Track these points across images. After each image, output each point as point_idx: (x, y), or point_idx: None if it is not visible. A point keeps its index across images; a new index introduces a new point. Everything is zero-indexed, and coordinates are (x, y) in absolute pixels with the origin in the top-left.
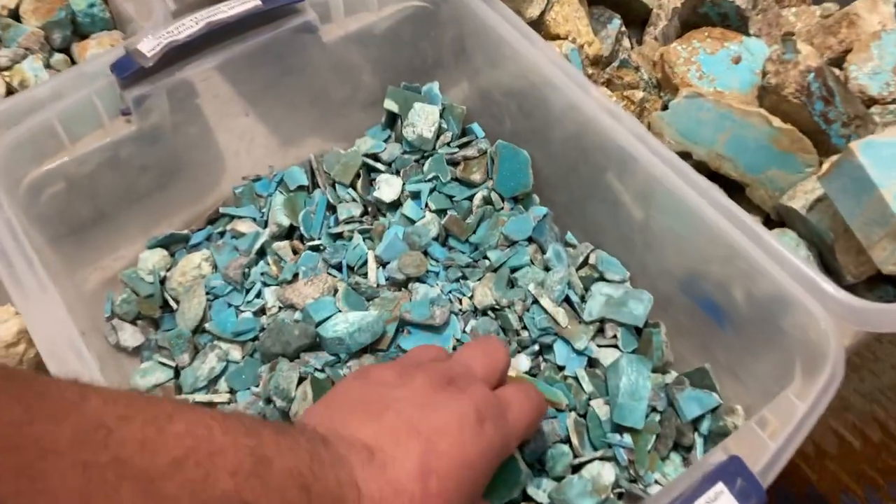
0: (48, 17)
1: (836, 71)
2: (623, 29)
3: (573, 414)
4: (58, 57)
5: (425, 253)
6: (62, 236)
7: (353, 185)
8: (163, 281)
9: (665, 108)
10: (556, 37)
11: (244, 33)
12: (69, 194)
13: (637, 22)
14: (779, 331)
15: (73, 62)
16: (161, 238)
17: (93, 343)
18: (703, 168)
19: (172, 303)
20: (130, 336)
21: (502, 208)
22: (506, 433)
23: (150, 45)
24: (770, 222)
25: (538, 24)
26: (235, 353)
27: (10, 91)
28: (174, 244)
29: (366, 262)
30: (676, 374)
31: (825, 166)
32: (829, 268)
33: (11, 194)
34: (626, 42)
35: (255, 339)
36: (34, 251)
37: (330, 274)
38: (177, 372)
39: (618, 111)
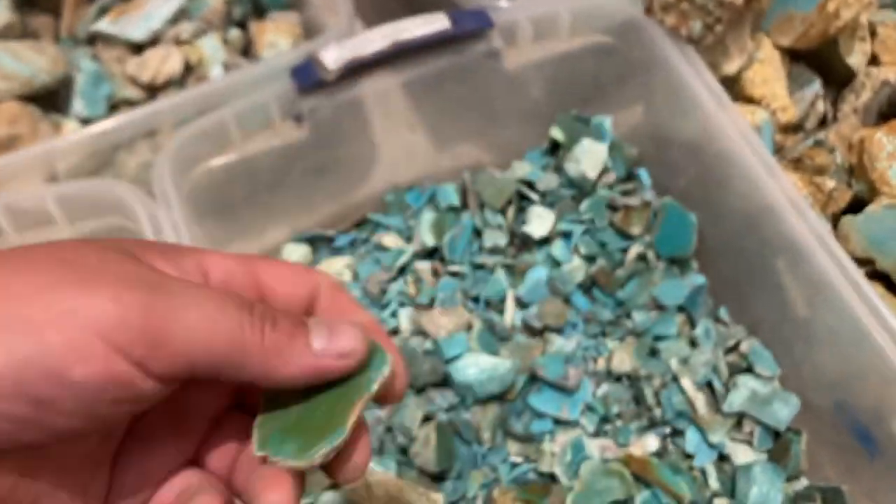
0: None
1: None
2: (821, 92)
3: None
4: (234, 33)
5: (567, 300)
6: (210, 215)
7: (503, 211)
8: None
9: (855, 209)
10: (750, 99)
11: (427, 53)
12: (229, 186)
13: (835, 84)
14: None
15: (250, 41)
16: (307, 235)
17: None
18: (883, 279)
19: None
20: None
21: (656, 268)
22: None
23: (333, 57)
24: None
25: (733, 81)
26: None
27: (188, 67)
28: (318, 241)
29: (504, 300)
30: (808, 484)
31: None
32: None
33: (179, 187)
34: (820, 106)
35: None
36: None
37: (466, 307)
38: None
39: (802, 204)
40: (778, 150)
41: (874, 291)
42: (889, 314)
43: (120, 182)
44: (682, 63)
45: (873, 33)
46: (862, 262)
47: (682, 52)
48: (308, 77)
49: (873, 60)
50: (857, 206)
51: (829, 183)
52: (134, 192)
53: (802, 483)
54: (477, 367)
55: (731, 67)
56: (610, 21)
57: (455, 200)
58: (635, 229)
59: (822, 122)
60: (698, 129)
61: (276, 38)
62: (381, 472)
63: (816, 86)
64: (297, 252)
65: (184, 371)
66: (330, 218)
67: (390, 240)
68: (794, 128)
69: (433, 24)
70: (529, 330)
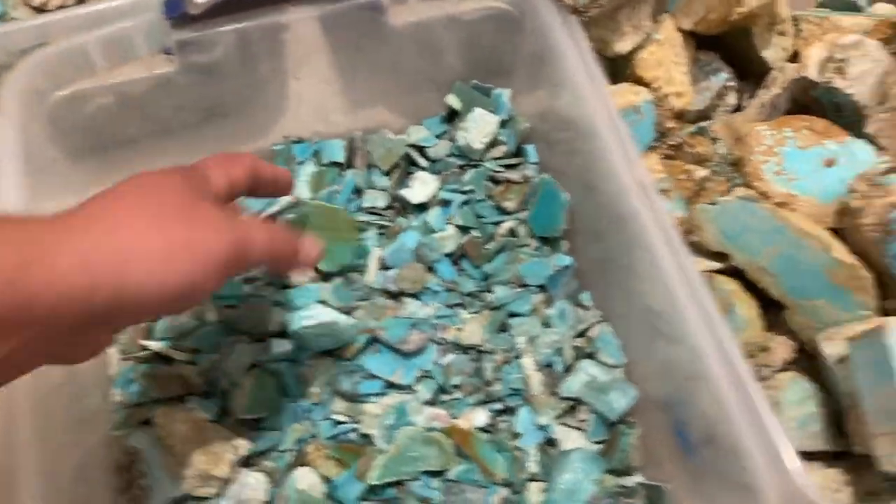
0: None
1: None
2: (731, 84)
3: (504, 491)
4: None
5: (432, 269)
6: (86, 153)
7: (389, 173)
8: None
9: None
10: (640, 80)
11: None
12: (105, 122)
13: (754, 79)
14: (736, 486)
15: None
16: None
17: None
18: (739, 275)
19: None
20: None
21: (527, 245)
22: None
23: None
24: (803, 352)
25: (626, 61)
26: (211, 315)
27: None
28: None
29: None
30: (637, 482)
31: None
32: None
33: (31, 109)
34: (732, 99)
35: (235, 307)
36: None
37: None
38: None
39: (651, 193)
40: (662, 135)
41: (708, 293)
42: (716, 317)
43: None
44: (563, 34)
45: (801, 30)
46: (717, 256)
47: (565, 22)
48: (176, 8)
49: (796, 57)
50: None
51: (701, 172)
52: None
53: (636, 478)
54: (315, 319)
55: (623, 45)
56: None
57: (339, 157)
58: (510, 204)
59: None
60: (570, 107)
61: None
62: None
63: (723, 77)
64: None
65: None
66: None
67: None
68: (696, 118)
69: None
70: (387, 292)
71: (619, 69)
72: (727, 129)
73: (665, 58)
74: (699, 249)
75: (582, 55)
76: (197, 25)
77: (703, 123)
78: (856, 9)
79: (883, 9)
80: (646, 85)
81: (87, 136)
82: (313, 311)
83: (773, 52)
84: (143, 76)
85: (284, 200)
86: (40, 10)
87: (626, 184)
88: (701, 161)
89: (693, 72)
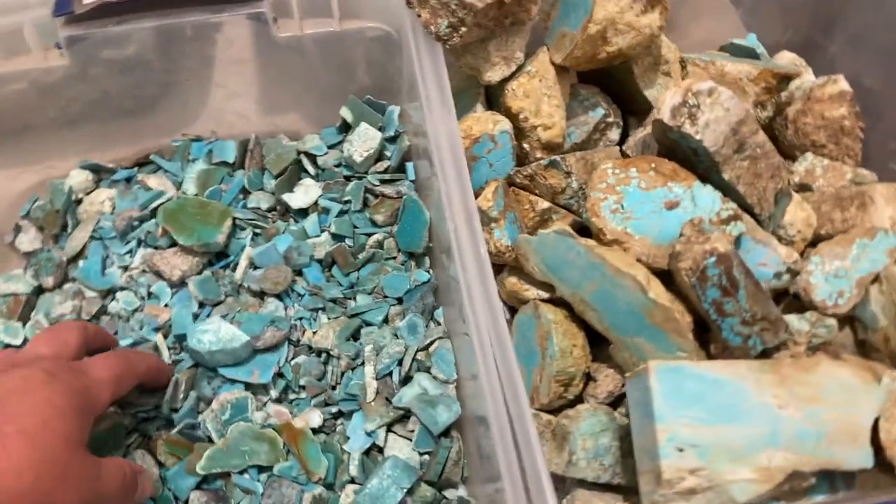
0: None
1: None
2: (610, 120)
3: (319, 490)
4: None
5: (300, 273)
6: None
7: (278, 177)
8: (79, 202)
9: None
10: (508, 109)
11: (191, 7)
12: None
13: (640, 116)
14: None
15: None
16: (90, 163)
17: None
18: (567, 305)
19: (70, 227)
20: (28, 241)
21: (394, 258)
22: (86, 381)
23: None
24: None
25: (498, 91)
26: (93, 307)
27: None
28: (103, 172)
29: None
30: (457, 496)
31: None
32: None
33: None
34: (613, 134)
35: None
36: None
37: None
38: (40, 290)
39: (473, 219)
40: (519, 165)
41: (502, 322)
42: (506, 344)
43: None
44: (426, 59)
45: (688, 72)
46: (547, 285)
47: (431, 48)
48: (64, 8)
49: None
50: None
51: (543, 204)
52: None
53: (457, 492)
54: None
55: (493, 75)
56: (384, 10)
57: (230, 157)
58: (380, 217)
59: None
60: (424, 128)
61: None
62: None
63: (601, 112)
64: (79, 177)
65: None
66: (131, 158)
67: (155, 181)
68: (573, 149)
69: None
70: (251, 291)
71: (494, 97)
72: (583, 163)
73: (534, 90)
74: (531, 278)
75: (438, 80)
76: (84, 24)
77: (556, 157)
78: (755, 56)
79: (785, 58)
80: (514, 115)
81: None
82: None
83: (655, 91)
84: (36, 67)
85: (167, 194)
86: None
87: (451, 208)
88: (555, 193)
89: (572, 105)
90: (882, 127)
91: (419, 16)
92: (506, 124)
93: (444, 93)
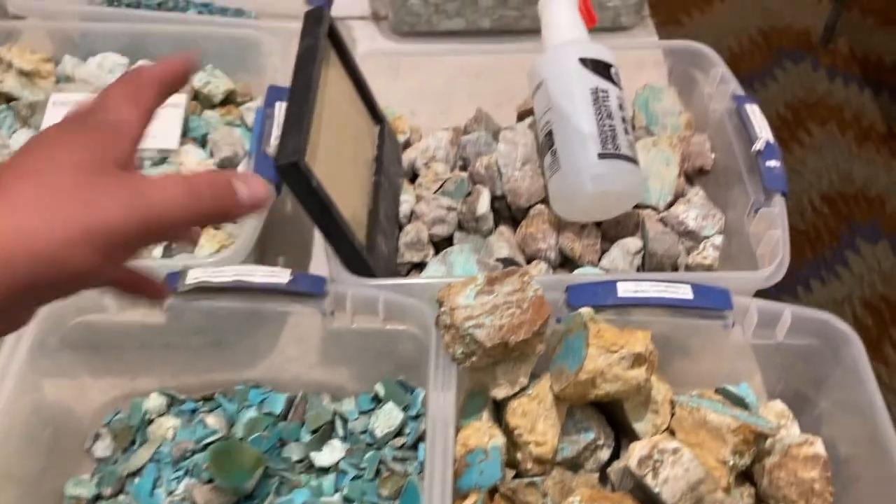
0: None
1: None
2: (600, 443)
3: None
4: None
5: None
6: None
7: (315, 432)
8: (151, 422)
9: None
10: (507, 424)
11: (266, 298)
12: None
13: (631, 440)
14: None
15: None
16: (167, 390)
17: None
18: None
19: (138, 444)
20: (102, 449)
21: None
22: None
23: (191, 276)
24: None
25: (503, 405)
26: None
27: None
28: (175, 400)
29: None
30: None
31: None
32: None
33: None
34: (603, 455)
35: None
36: None
37: None
38: (98, 497)
39: None
40: (512, 467)
41: None
42: None
43: None
44: (441, 372)
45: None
46: None
47: (446, 365)
48: (172, 283)
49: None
50: None
51: None
52: None
53: None
54: None
55: (498, 393)
56: (420, 318)
57: (278, 409)
58: (384, 491)
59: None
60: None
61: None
62: None
63: (591, 436)
64: (156, 401)
65: None
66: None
67: (213, 419)
68: (566, 465)
69: (274, 277)
70: None
71: (501, 407)
72: (560, 486)
73: (532, 410)
74: None
75: (444, 374)
76: (183, 297)
77: (536, 478)
78: (743, 404)
79: (775, 408)
80: (511, 430)
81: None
82: None
83: (643, 425)
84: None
85: (218, 433)
86: None
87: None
88: None
89: (567, 424)
90: (853, 492)
91: (443, 337)
92: (499, 440)
93: (448, 408)
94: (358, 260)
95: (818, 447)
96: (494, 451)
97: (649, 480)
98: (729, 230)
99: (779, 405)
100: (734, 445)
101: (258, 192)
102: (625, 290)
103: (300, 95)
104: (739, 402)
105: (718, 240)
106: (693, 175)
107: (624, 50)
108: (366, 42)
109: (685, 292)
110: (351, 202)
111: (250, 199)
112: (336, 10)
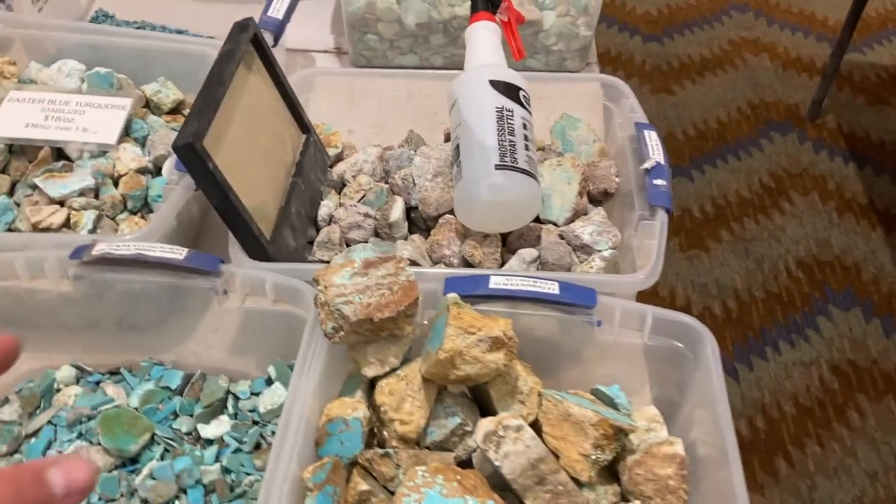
0: None
1: None
2: (469, 429)
3: None
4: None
5: (185, 491)
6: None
7: (206, 408)
8: (58, 390)
9: None
10: (374, 402)
11: (161, 271)
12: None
13: None
14: None
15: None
16: (77, 363)
17: None
18: None
19: (41, 410)
20: (8, 413)
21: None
22: None
23: (98, 248)
24: None
25: (374, 384)
26: None
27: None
28: (84, 373)
29: None
30: None
31: None
32: None
33: None
34: (471, 443)
35: None
36: None
37: None
38: None
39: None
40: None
41: None
42: None
43: None
44: (317, 347)
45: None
46: None
47: (321, 341)
48: (77, 254)
49: (536, 424)
50: None
51: (362, 486)
52: None
53: None
54: None
55: (368, 371)
56: (303, 299)
57: (174, 384)
58: (259, 462)
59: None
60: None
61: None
62: None
63: (458, 420)
64: (66, 372)
65: None
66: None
67: (113, 390)
68: (437, 446)
69: (171, 253)
70: (140, 498)
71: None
72: (414, 459)
73: (399, 390)
74: None
75: (315, 350)
76: (89, 268)
77: (390, 450)
78: (612, 404)
79: (648, 412)
80: (377, 407)
81: None
82: None
83: (510, 413)
84: (50, 289)
85: (114, 402)
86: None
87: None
88: (386, 480)
89: (437, 408)
90: (703, 490)
91: (319, 313)
92: (361, 413)
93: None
94: (257, 246)
95: (677, 447)
96: (355, 422)
97: (491, 454)
98: (623, 247)
99: (652, 410)
100: (595, 439)
101: (75, 477)
102: (496, 282)
103: (209, 88)
104: (610, 403)
105: (608, 253)
106: (599, 197)
107: (555, 81)
108: (331, 76)
109: (552, 288)
110: (257, 194)
111: (66, 488)
112: (304, 43)
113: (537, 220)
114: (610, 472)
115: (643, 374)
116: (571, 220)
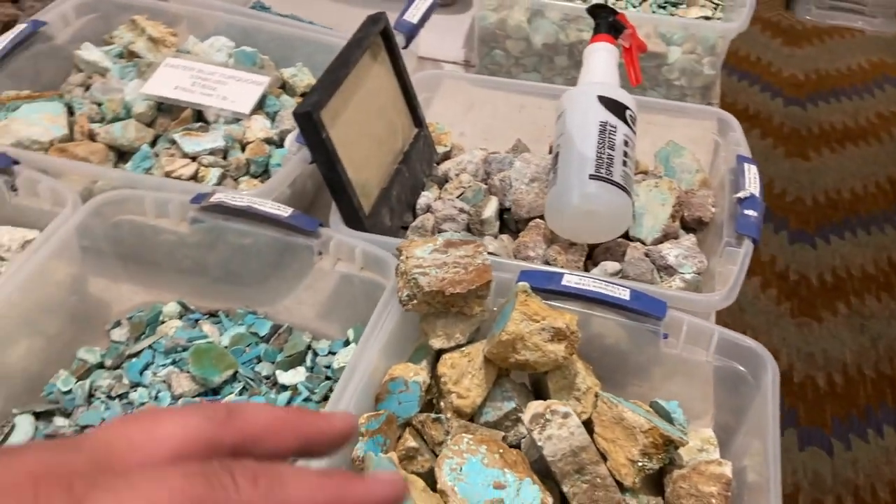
0: None
1: None
2: (521, 414)
3: None
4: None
5: None
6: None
7: (290, 357)
8: (163, 322)
9: None
10: (436, 372)
11: (267, 226)
12: (138, 241)
13: None
14: None
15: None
16: (182, 302)
17: None
18: None
19: (145, 336)
20: (118, 335)
21: None
22: None
23: (215, 197)
24: None
25: (438, 356)
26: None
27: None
28: (188, 311)
29: None
30: None
31: None
32: None
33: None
34: (521, 429)
35: None
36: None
37: None
38: (100, 366)
39: None
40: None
41: None
42: None
43: None
44: (390, 316)
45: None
46: None
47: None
48: (198, 200)
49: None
50: None
51: (411, 442)
52: None
53: None
54: None
55: (435, 343)
56: (386, 266)
57: (263, 332)
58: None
59: None
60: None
61: None
62: None
63: (513, 405)
64: (172, 308)
65: None
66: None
67: (208, 328)
68: (492, 425)
69: (279, 210)
70: None
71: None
72: (464, 428)
73: (461, 365)
74: None
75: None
76: (206, 213)
77: (440, 415)
78: (668, 419)
79: (703, 434)
80: (438, 377)
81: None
82: None
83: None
84: (171, 229)
85: (208, 339)
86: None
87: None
88: (434, 443)
89: (494, 391)
90: None
91: (398, 282)
92: (422, 378)
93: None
94: (355, 217)
95: (725, 468)
96: (415, 385)
97: (535, 435)
98: (706, 274)
99: (707, 432)
100: (644, 447)
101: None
102: (568, 280)
103: (335, 68)
104: (667, 417)
105: (690, 276)
106: (693, 224)
107: (670, 111)
108: (453, 81)
109: (623, 293)
110: (363, 171)
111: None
112: (436, 53)
113: (626, 236)
114: (655, 485)
115: (708, 398)
116: (660, 241)
